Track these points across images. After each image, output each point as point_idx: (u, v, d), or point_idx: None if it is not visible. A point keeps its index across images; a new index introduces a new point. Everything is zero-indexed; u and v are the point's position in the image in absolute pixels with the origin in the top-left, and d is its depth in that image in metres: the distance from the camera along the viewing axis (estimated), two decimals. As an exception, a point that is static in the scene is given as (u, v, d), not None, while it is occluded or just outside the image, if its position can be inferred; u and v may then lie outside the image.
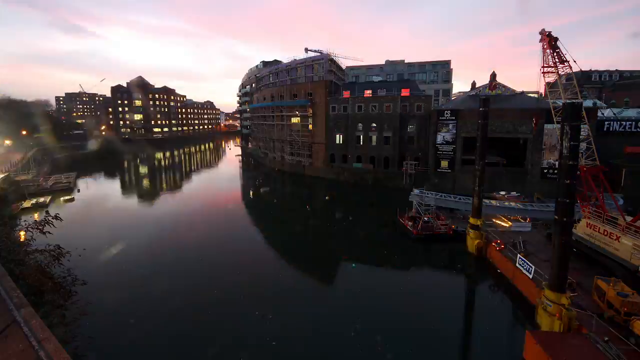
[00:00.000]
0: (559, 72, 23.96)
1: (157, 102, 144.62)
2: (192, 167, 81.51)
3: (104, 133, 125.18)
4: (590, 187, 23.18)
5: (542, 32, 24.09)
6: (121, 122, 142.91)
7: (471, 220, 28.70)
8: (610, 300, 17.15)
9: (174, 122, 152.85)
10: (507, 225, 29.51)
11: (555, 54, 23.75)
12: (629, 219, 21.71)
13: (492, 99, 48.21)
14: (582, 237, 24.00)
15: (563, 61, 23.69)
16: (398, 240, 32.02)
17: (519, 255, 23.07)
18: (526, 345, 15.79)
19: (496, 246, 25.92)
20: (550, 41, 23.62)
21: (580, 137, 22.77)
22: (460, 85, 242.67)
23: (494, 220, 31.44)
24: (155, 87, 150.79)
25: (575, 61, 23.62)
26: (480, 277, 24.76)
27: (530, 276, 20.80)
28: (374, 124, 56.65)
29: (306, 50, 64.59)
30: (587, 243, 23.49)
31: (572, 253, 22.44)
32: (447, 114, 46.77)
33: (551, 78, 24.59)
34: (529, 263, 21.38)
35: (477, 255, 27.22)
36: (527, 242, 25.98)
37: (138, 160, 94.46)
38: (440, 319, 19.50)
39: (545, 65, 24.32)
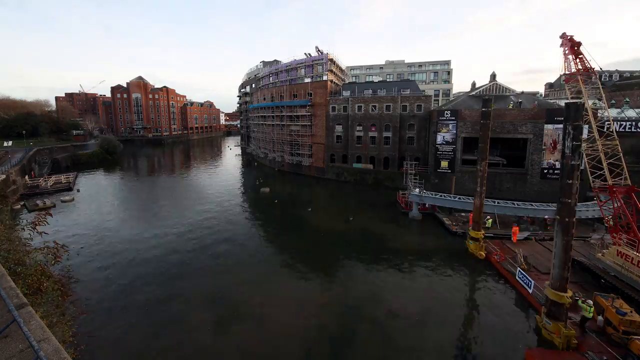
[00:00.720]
0: (582, 79, 21.83)
1: (157, 102, 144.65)
2: (192, 167, 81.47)
3: (103, 133, 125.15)
4: (622, 210, 20.93)
5: (564, 36, 21.89)
6: (121, 122, 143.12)
7: (471, 233, 28.52)
8: (609, 317, 16.91)
9: (173, 122, 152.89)
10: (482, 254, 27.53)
11: (578, 60, 21.81)
12: None
13: (492, 99, 48.30)
14: (611, 267, 21.48)
15: (587, 68, 21.60)
16: (398, 241, 32.10)
17: (519, 268, 22.71)
18: None
19: (496, 258, 25.77)
20: (572, 46, 21.52)
21: (608, 149, 21.61)
22: (460, 85, 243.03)
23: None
24: (155, 86, 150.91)
25: (601, 68, 21.77)
26: (482, 282, 24.43)
27: (530, 291, 20.52)
28: (374, 124, 56.68)
29: (310, 54, 64.52)
30: (617, 274, 21.10)
31: (598, 284, 21.50)
32: (447, 114, 46.77)
33: (574, 86, 22.35)
34: (528, 277, 21.04)
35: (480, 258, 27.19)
36: (527, 256, 25.05)
37: (138, 161, 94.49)
38: (437, 327, 18.99)
39: (567, 72, 22.24)
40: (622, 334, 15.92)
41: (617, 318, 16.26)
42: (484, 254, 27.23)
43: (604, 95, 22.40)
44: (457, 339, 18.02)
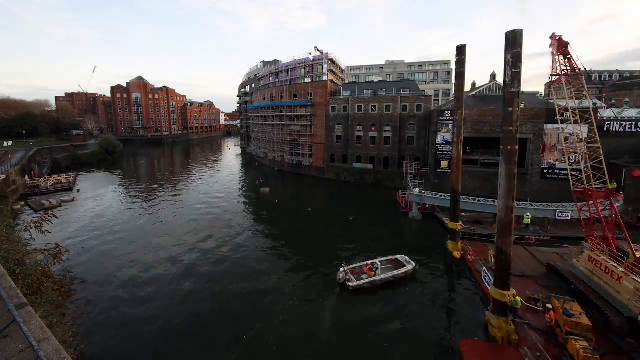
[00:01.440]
0: (569, 79, 22.08)
1: (157, 102, 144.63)
2: (192, 167, 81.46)
3: (103, 133, 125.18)
4: (598, 214, 20.57)
5: (553, 37, 21.99)
6: (121, 122, 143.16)
7: (450, 224, 28.98)
8: (557, 318, 17.28)
9: (173, 122, 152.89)
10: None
11: (566, 60, 22.01)
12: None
13: (491, 98, 48.37)
14: (582, 272, 21.24)
15: (574, 69, 21.76)
16: (397, 241, 32.09)
17: (484, 268, 22.91)
18: (461, 352, 16.16)
19: (470, 258, 26.25)
20: (560, 46, 21.60)
21: (590, 143, 21.77)
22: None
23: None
24: (155, 86, 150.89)
25: (585, 68, 22.14)
26: (458, 280, 24.72)
27: (490, 289, 20.45)
28: (374, 124, 56.68)
29: (312, 53, 64.57)
30: (585, 279, 20.76)
31: (569, 289, 21.27)
32: (447, 114, 46.73)
33: (560, 86, 22.60)
34: (490, 276, 20.94)
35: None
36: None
37: (138, 161, 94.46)
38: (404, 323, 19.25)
39: (554, 73, 22.38)
40: (565, 335, 16.25)
41: (562, 319, 16.71)
42: (459, 254, 27.53)
43: (588, 95, 22.43)
44: (409, 332, 18.46)
